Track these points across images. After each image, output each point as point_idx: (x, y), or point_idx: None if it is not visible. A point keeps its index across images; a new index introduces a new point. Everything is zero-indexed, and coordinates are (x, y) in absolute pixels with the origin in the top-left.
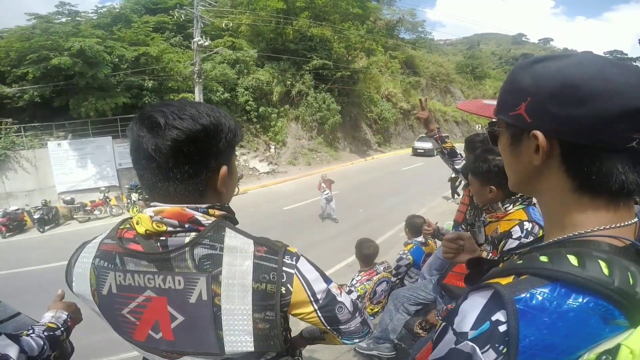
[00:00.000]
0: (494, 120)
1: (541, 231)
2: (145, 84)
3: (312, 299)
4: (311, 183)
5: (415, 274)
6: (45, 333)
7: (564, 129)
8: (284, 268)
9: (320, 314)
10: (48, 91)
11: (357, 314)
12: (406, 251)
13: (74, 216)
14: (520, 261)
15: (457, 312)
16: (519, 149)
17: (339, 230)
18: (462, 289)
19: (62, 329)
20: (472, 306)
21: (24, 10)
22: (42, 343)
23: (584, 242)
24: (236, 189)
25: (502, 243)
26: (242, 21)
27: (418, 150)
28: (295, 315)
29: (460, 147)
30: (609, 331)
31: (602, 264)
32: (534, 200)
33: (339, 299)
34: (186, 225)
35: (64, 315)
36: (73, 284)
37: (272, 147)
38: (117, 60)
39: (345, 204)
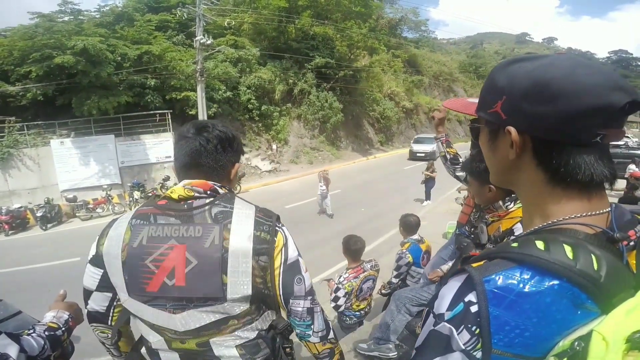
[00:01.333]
0: (476, 117)
1: None
2: (148, 83)
3: (283, 256)
4: (313, 181)
5: (417, 272)
6: (46, 333)
7: (534, 125)
8: (276, 225)
9: (282, 273)
10: (51, 90)
11: (309, 299)
12: (404, 250)
13: (77, 214)
14: (496, 250)
15: (437, 296)
16: (496, 144)
17: (341, 228)
18: None
19: (63, 329)
20: (449, 289)
21: (27, 9)
22: (42, 343)
23: (556, 230)
24: (238, 187)
25: (504, 241)
26: (244, 20)
27: (417, 154)
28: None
29: (462, 146)
30: (580, 316)
31: (567, 249)
32: None
33: (302, 272)
34: (208, 192)
35: (65, 316)
36: (105, 243)
37: (274, 145)
38: (119, 58)
39: (347, 202)
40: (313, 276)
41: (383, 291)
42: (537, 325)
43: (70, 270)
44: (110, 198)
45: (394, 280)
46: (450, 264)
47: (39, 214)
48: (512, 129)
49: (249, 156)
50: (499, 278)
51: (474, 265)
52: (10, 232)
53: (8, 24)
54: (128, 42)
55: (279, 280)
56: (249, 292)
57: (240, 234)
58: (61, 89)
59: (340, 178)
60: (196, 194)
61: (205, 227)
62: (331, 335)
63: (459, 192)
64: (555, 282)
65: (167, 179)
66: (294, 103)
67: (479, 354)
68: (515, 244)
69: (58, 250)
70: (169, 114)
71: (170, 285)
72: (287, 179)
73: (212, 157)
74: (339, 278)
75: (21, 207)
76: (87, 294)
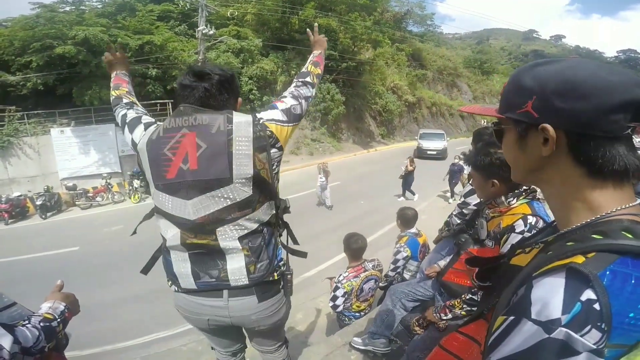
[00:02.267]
0: (497, 120)
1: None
2: (149, 73)
3: (281, 119)
4: (313, 173)
5: (415, 266)
6: (42, 324)
7: (570, 121)
8: (259, 120)
9: (290, 126)
10: (51, 79)
11: (300, 99)
12: (402, 244)
13: (76, 202)
14: (551, 252)
15: (530, 301)
16: (526, 143)
17: (341, 221)
18: (461, 287)
19: (59, 320)
20: (551, 291)
21: None
22: (37, 334)
23: (611, 221)
24: None
25: (504, 238)
26: (247, 10)
27: (428, 152)
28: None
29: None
30: None
31: None
32: (539, 194)
33: (293, 109)
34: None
35: (62, 307)
36: (139, 142)
37: None
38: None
39: (346, 194)
40: (311, 268)
41: (380, 284)
42: None
43: (69, 259)
44: (110, 187)
45: (391, 274)
46: (448, 259)
47: (38, 203)
48: (548, 126)
49: None
50: (612, 272)
51: (577, 260)
52: (10, 220)
53: (9, 14)
54: (130, 32)
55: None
56: (251, 172)
57: (241, 123)
58: (62, 79)
59: (341, 170)
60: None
61: (211, 116)
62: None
63: (463, 186)
64: None
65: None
66: None
67: (607, 351)
68: (599, 236)
69: (57, 240)
70: (170, 103)
71: (186, 170)
72: (287, 169)
73: (218, 99)
74: (339, 277)
75: (21, 195)
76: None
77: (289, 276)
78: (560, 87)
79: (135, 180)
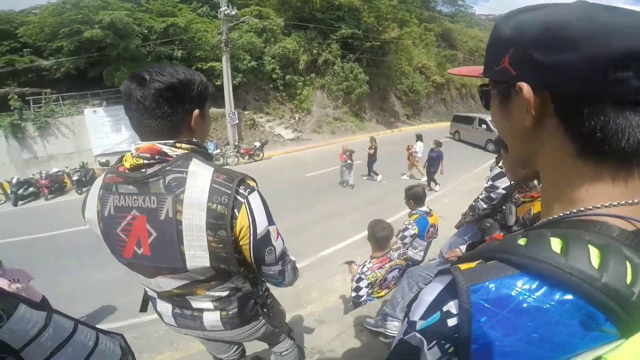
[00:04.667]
0: (486, 82)
1: None
2: (175, 54)
3: (251, 231)
4: (334, 151)
5: (420, 244)
6: None
7: (552, 78)
8: (237, 195)
9: (252, 247)
10: (82, 63)
11: (280, 263)
12: (412, 221)
13: None
14: (496, 247)
15: (417, 297)
16: (508, 109)
17: (361, 200)
18: None
19: None
20: (429, 292)
21: None
22: None
23: (582, 222)
24: (260, 154)
25: (512, 234)
26: None
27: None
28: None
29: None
30: (590, 340)
31: (594, 252)
32: None
33: (273, 242)
34: (156, 157)
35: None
36: (86, 211)
37: (297, 114)
38: (146, 31)
39: (385, 168)
40: (330, 246)
41: None
42: (530, 349)
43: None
44: None
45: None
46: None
47: (74, 178)
48: (523, 85)
49: (272, 124)
50: (492, 287)
51: (463, 266)
52: (49, 196)
53: (36, 1)
54: (154, 15)
55: (249, 254)
56: (207, 264)
57: (194, 206)
58: (92, 62)
59: (363, 149)
60: (145, 161)
61: (159, 197)
62: (295, 274)
63: (490, 170)
64: (569, 296)
65: (119, 159)
66: (318, 73)
67: None
68: (522, 240)
69: None
70: None
71: (140, 254)
72: (309, 147)
73: (156, 115)
74: (362, 267)
75: (59, 171)
76: None
77: (269, 301)
78: (541, 34)
79: None
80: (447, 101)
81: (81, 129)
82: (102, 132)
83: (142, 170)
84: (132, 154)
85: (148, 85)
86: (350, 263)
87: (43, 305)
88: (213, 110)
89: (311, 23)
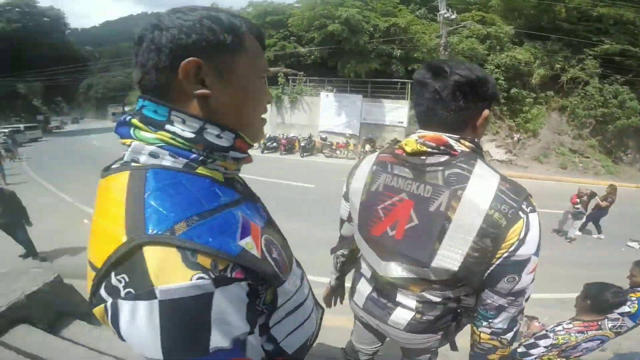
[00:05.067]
0: None
1: None
2: (394, 53)
3: (514, 247)
4: (558, 191)
5: (624, 325)
6: None
7: None
8: (520, 209)
9: (497, 264)
10: (325, 53)
11: (508, 298)
12: (633, 298)
13: (323, 150)
14: None
15: None
16: None
17: (578, 257)
18: None
19: None
20: None
21: None
22: None
23: None
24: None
25: None
26: None
27: None
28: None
29: None
30: None
31: None
32: None
33: (524, 273)
34: (441, 148)
35: None
36: (352, 182)
37: (517, 135)
38: (372, 29)
39: (611, 229)
40: None
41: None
42: None
43: (305, 193)
44: (348, 144)
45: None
46: None
47: (302, 144)
48: None
49: (483, 139)
50: None
51: None
52: (283, 152)
53: None
54: (378, 14)
55: (489, 267)
56: (456, 269)
57: (471, 207)
58: (331, 53)
59: (614, 204)
60: (428, 149)
61: (435, 188)
62: (508, 335)
63: None
64: None
65: (395, 142)
66: (559, 92)
67: None
68: None
69: (303, 174)
70: (409, 84)
71: (390, 236)
72: (523, 176)
73: (449, 107)
74: (556, 326)
75: (294, 136)
76: (341, 222)
77: (464, 321)
78: None
79: (367, 145)
80: None
81: (315, 108)
82: (329, 113)
83: (422, 157)
84: (416, 140)
85: (448, 77)
86: (531, 319)
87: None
88: None
89: (554, 33)
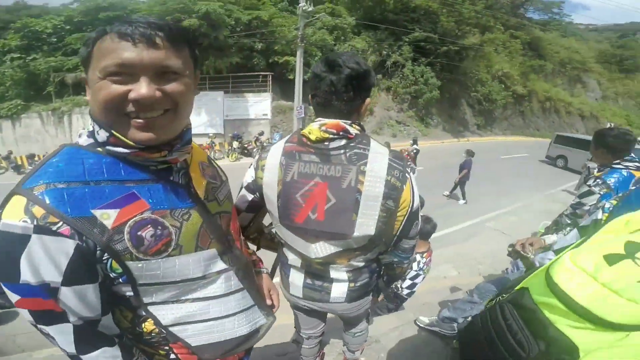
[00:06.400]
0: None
1: None
2: (255, 46)
3: (411, 204)
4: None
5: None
6: None
7: None
8: (405, 172)
9: (405, 220)
10: None
11: (416, 237)
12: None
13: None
14: None
15: None
16: None
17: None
18: None
19: None
20: None
21: None
22: None
23: None
24: None
25: None
26: None
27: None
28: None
29: None
30: None
31: None
32: None
33: (419, 217)
34: (340, 133)
35: None
36: (263, 175)
37: None
38: (233, 22)
39: (427, 183)
40: None
41: None
42: None
43: None
44: (213, 145)
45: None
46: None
47: None
48: None
49: None
50: None
51: None
52: None
53: None
54: (241, 8)
55: (400, 225)
56: (372, 232)
57: (374, 178)
58: None
59: (424, 157)
60: (330, 135)
61: (344, 167)
62: (413, 257)
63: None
64: None
65: (261, 133)
66: (385, 75)
67: None
68: None
69: None
70: (270, 76)
71: (313, 219)
72: None
73: (342, 98)
74: (417, 265)
75: None
76: (238, 212)
77: (383, 277)
78: None
79: (235, 142)
80: (525, 114)
81: None
82: None
83: (326, 143)
84: (318, 128)
85: (342, 71)
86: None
87: (238, 259)
88: (283, 103)
89: (383, 24)
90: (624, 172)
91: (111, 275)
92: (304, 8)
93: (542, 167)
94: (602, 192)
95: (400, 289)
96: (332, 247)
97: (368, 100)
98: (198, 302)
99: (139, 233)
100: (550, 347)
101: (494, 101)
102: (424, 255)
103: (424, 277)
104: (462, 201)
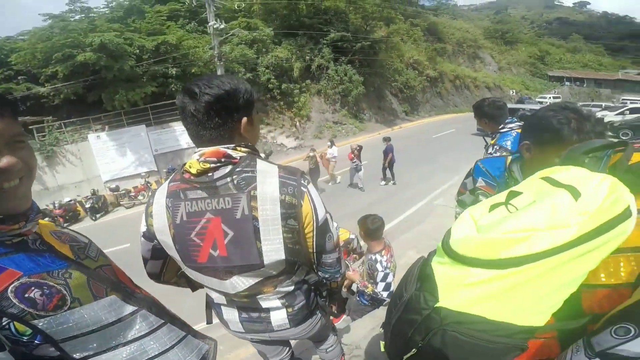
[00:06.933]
0: None
1: None
2: (170, 72)
3: (314, 218)
4: (339, 155)
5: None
6: None
7: None
8: (301, 185)
9: (315, 236)
10: (80, 87)
11: (337, 250)
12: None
13: (121, 202)
14: None
15: None
16: None
17: (371, 200)
18: None
19: None
20: None
21: (32, 12)
22: None
23: None
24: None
25: None
26: (254, 1)
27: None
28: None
29: None
30: None
31: None
32: None
33: (331, 228)
34: (222, 160)
35: None
36: (153, 222)
37: (297, 122)
38: (138, 51)
39: (374, 173)
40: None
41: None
42: None
43: (123, 255)
44: (149, 185)
45: None
46: None
47: (87, 206)
48: None
49: (274, 134)
50: None
51: None
52: (65, 224)
53: (21, 28)
54: (143, 35)
55: (312, 242)
56: (282, 256)
57: (267, 200)
58: (89, 86)
59: (366, 150)
60: (212, 165)
61: (233, 197)
62: (344, 269)
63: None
64: None
65: (180, 167)
66: (313, 79)
67: None
68: None
69: (109, 238)
70: None
71: (216, 256)
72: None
73: (208, 126)
74: (380, 264)
75: (71, 200)
76: (145, 261)
77: (324, 293)
78: None
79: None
80: (442, 94)
81: (87, 155)
82: (108, 157)
83: (209, 174)
84: (197, 160)
85: (199, 99)
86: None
87: (143, 299)
88: None
89: (300, 30)
90: (513, 133)
91: (23, 339)
92: (215, 26)
93: (474, 139)
94: (503, 155)
95: (378, 294)
96: (251, 279)
97: (244, 120)
98: (130, 344)
99: (26, 295)
100: (422, 284)
101: (413, 87)
102: (382, 254)
103: (394, 274)
104: (392, 182)
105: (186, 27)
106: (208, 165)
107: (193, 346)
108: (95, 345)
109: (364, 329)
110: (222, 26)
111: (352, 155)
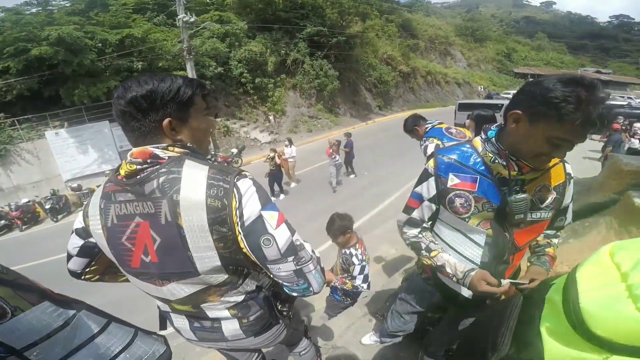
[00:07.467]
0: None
1: None
2: (135, 66)
3: (238, 216)
4: (314, 149)
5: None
6: None
7: None
8: (229, 185)
9: (244, 238)
10: (35, 82)
11: (290, 258)
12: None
13: (83, 202)
14: None
15: None
16: None
17: (347, 194)
18: None
19: None
20: None
21: None
22: None
23: None
24: (239, 161)
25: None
26: None
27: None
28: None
29: None
30: None
31: None
32: None
33: (269, 230)
34: (149, 161)
35: None
36: (90, 223)
37: (272, 117)
38: (100, 45)
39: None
40: (324, 243)
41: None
42: None
43: None
44: None
45: None
46: None
47: (47, 207)
48: None
49: (247, 129)
50: None
51: None
52: (23, 227)
53: None
54: (106, 28)
55: (244, 246)
56: (218, 263)
57: (192, 206)
58: (45, 81)
59: (341, 144)
60: (137, 167)
61: (154, 201)
62: (318, 287)
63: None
64: None
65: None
66: (288, 73)
67: None
68: None
69: None
70: None
71: (148, 262)
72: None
73: (128, 128)
74: (355, 258)
75: (29, 201)
76: (69, 257)
77: (287, 304)
78: None
79: None
80: (415, 89)
81: (45, 153)
82: (68, 155)
83: (138, 176)
84: (126, 160)
85: (117, 102)
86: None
87: (74, 302)
88: None
89: (276, 24)
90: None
91: None
92: (184, 19)
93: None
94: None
95: (359, 287)
96: (190, 287)
97: (166, 121)
98: (90, 343)
99: None
100: (521, 351)
101: (386, 82)
102: (357, 247)
103: (368, 265)
104: (352, 175)
105: (154, 20)
106: (134, 167)
107: (152, 338)
108: (59, 349)
109: (338, 329)
110: (192, 19)
111: (331, 151)
